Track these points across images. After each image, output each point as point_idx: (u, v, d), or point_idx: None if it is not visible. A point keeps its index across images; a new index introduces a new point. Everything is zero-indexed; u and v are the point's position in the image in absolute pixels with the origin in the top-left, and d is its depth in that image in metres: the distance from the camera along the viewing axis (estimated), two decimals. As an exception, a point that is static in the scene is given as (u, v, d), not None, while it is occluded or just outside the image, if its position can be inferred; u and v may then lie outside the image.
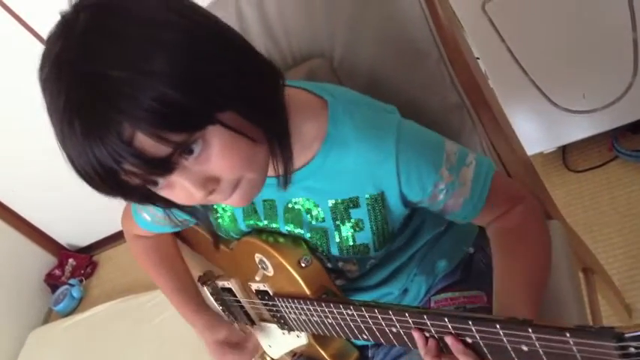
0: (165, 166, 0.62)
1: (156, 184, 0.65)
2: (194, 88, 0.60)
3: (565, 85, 1.63)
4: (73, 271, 3.27)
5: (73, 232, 3.39)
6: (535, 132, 1.78)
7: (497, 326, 0.58)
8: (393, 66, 0.96)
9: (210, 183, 0.66)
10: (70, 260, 3.31)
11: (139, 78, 0.58)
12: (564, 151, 1.92)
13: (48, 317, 3.18)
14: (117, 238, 3.29)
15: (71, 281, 3.16)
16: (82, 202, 3.07)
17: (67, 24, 0.61)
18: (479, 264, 0.99)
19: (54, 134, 0.63)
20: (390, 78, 0.96)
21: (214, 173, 0.66)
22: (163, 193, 0.68)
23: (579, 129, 1.74)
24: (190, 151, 0.62)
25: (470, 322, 0.60)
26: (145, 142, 0.59)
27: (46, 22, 0.64)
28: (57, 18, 0.63)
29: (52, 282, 3.24)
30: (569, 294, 0.99)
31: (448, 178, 0.79)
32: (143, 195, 0.68)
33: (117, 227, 3.34)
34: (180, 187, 0.66)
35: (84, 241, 3.43)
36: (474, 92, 0.98)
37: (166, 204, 0.73)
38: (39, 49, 0.64)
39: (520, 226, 0.84)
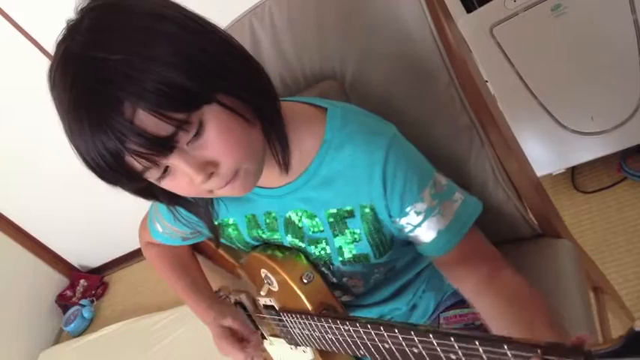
0: (166, 144, 0.64)
1: (158, 166, 0.67)
2: (191, 68, 0.63)
3: (573, 108, 1.65)
4: (84, 292, 3.29)
5: (85, 253, 3.42)
6: (544, 153, 1.79)
7: (477, 342, 0.58)
8: (403, 88, 0.97)
9: (209, 166, 0.68)
10: (82, 281, 3.33)
11: (140, 61, 0.61)
12: (573, 172, 1.93)
13: (59, 337, 3.19)
14: (128, 259, 3.31)
15: (82, 302, 3.18)
16: (93, 223, 3.12)
17: (72, 27, 0.65)
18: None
19: (63, 131, 0.66)
20: (401, 99, 0.97)
21: (212, 156, 0.68)
22: (166, 184, 0.71)
23: (588, 150, 1.75)
24: (188, 131, 0.65)
25: (452, 339, 0.61)
26: (146, 120, 0.62)
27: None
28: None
29: (64, 302, 3.25)
30: (579, 313, 0.99)
31: (430, 202, 0.79)
32: (148, 187, 0.71)
33: (127, 248, 3.39)
34: (181, 175, 0.69)
35: (95, 262, 3.46)
36: (483, 114, 0.99)
37: (170, 199, 0.77)
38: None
39: (524, 293, 0.78)
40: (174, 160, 0.66)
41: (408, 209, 0.79)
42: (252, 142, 0.72)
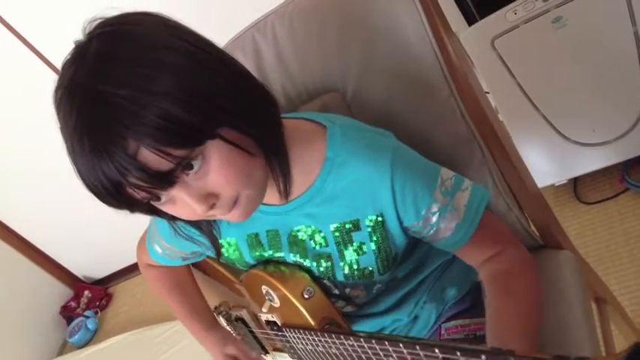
0: (167, 179, 0.65)
1: (159, 198, 0.68)
2: (194, 105, 0.64)
3: (575, 119, 1.66)
4: (88, 303, 3.29)
5: (89, 265, 3.42)
6: (546, 165, 1.80)
7: (483, 357, 0.58)
8: (404, 100, 0.98)
9: (210, 198, 0.69)
10: (86, 292, 3.33)
11: (143, 96, 0.61)
12: (575, 183, 1.93)
13: (63, 349, 3.19)
14: (131, 270, 3.32)
15: (86, 313, 3.18)
16: (97, 235, 3.12)
17: (80, 51, 0.66)
18: (487, 292, 1.00)
19: (66, 152, 0.67)
20: (402, 111, 0.98)
21: (214, 188, 0.69)
22: (166, 208, 0.71)
23: (590, 161, 1.76)
24: (191, 167, 0.66)
25: (458, 353, 0.61)
26: (148, 156, 0.62)
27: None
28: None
29: (68, 314, 3.26)
30: (581, 324, 0.99)
31: (442, 200, 0.81)
32: (148, 208, 0.71)
33: (131, 260, 3.39)
34: (181, 203, 0.69)
35: (99, 273, 3.46)
36: (484, 126, 0.99)
37: (172, 217, 0.77)
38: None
39: (515, 268, 0.84)
40: (175, 192, 0.67)
41: (423, 212, 0.81)
42: (253, 172, 0.72)
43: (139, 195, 0.66)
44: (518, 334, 0.77)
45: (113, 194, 0.65)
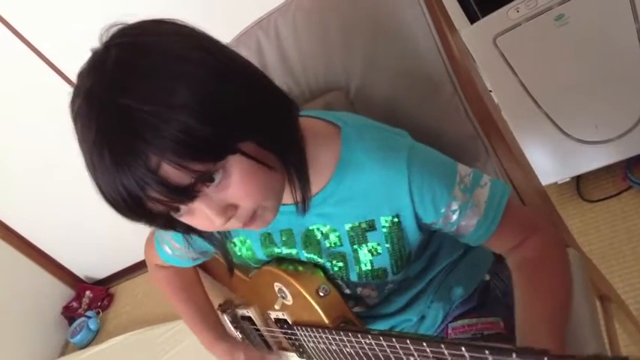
0: (187, 194, 0.65)
1: (178, 210, 0.68)
2: (216, 120, 0.63)
3: (577, 117, 1.65)
4: (90, 304, 3.29)
5: (90, 265, 3.42)
6: (549, 163, 1.79)
7: (514, 355, 0.58)
8: (408, 98, 0.98)
9: (229, 210, 0.69)
10: (87, 292, 3.33)
11: (165, 111, 0.61)
12: (578, 181, 1.93)
13: (65, 349, 3.19)
14: (133, 270, 3.32)
15: (88, 313, 3.18)
16: (99, 235, 3.12)
17: (98, 59, 0.65)
18: (495, 291, 0.99)
19: (84, 164, 0.66)
20: (406, 110, 0.98)
21: (233, 200, 0.69)
22: (184, 219, 0.71)
23: (593, 159, 1.76)
24: (212, 180, 0.65)
25: (486, 352, 0.61)
26: (169, 171, 0.62)
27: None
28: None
29: (69, 314, 3.26)
30: (586, 322, 0.99)
31: (462, 198, 0.80)
32: (166, 221, 0.71)
33: (133, 260, 3.39)
34: (200, 214, 0.69)
35: (101, 273, 3.46)
36: (488, 123, 0.99)
37: (187, 230, 0.77)
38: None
39: (540, 256, 0.83)
40: (196, 204, 0.67)
41: (443, 210, 0.80)
42: (272, 185, 0.73)
43: (158, 208, 0.66)
44: (544, 327, 0.77)
45: (133, 208, 0.65)
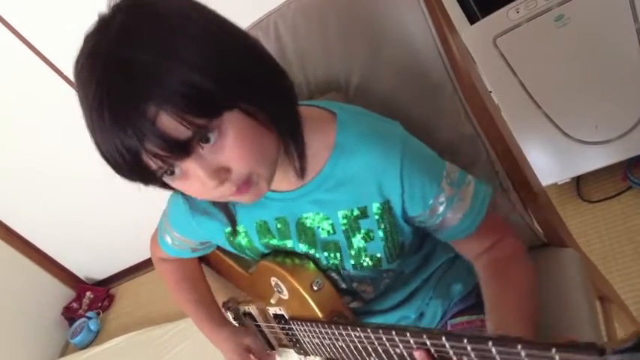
0: (183, 148, 0.65)
1: (173, 172, 0.69)
2: (217, 75, 0.64)
3: (577, 117, 1.66)
4: (90, 304, 3.29)
5: (91, 266, 3.43)
6: (549, 163, 1.79)
7: (490, 344, 0.59)
8: (408, 99, 0.98)
9: (222, 172, 0.69)
10: (88, 293, 3.33)
11: (167, 62, 0.62)
12: (578, 181, 1.93)
13: (65, 350, 3.19)
14: (133, 271, 3.32)
15: (89, 314, 3.18)
16: (99, 236, 3.13)
17: (103, 22, 0.66)
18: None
19: (85, 124, 0.67)
20: (405, 110, 0.98)
21: (227, 163, 0.69)
22: (178, 184, 0.72)
23: (593, 160, 1.76)
24: (207, 139, 0.66)
25: (465, 341, 0.61)
26: (167, 123, 0.62)
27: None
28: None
29: (70, 315, 3.26)
30: (585, 323, 0.99)
31: (449, 191, 0.82)
32: (162, 182, 0.72)
33: (133, 260, 3.40)
34: (194, 177, 0.69)
35: (101, 274, 3.47)
36: (488, 124, 1.00)
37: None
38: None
39: (511, 254, 0.87)
40: (189, 164, 0.67)
41: (431, 202, 0.81)
42: (267, 149, 0.73)
43: (155, 165, 0.66)
44: (520, 316, 0.79)
45: (129, 162, 0.65)
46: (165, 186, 0.74)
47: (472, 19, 1.47)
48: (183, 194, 0.80)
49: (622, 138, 1.64)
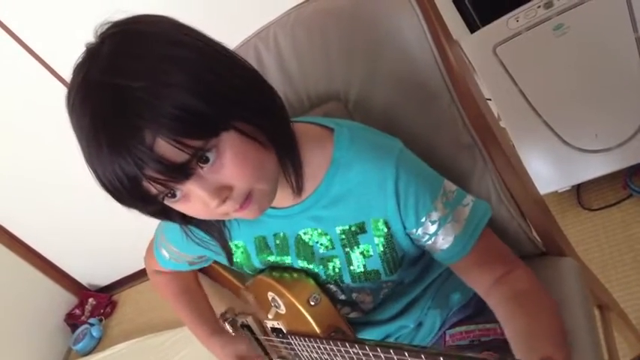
0: (183, 171, 0.66)
1: (174, 195, 0.69)
2: (209, 96, 0.65)
3: (577, 126, 1.66)
4: (92, 311, 3.30)
5: (94, 272, 3.43)
6: (549, 171, 1.80)
7: None
8: (406, 109, 0.98)
9: (223, 191, 0.69)
10: (90, 300, 3.34)
11: (159, 88, 0.63)
12: (579, 189, 1.93)
13: (67, 356, 3.20)
14: (136, 277, 3.32)
15: (91, 320, 3.19)
16: (102, 242, 3.13)
17: (92, 51, 0.67)
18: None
19: (81, 154, 0.67)
20: (404, 120, 0.98)
21: (227, 181, 0.69)
22: (180, 206, 0.72)
23: (593, 168, 1.76)
24: (206, 160, 0.67)
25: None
26: (164, 147, 0.63)
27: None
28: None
29: (72, 321, 3.26)
30: (584, 331, 0.99)
31: (442, 210, 0.81)
32: (162, 209, 0.72)
33: (136, 267, 3.39)
34: (195, 198, 0.70)
35: (104, 280, 3.47)
36: (485, 133, 1.00)
37: (184, 220, 0.78)
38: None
39: (531, 288, 0.82)
40: (190, 186, 0.68)
41: (423, 219, 0.81)
42: (265, 165, 0.73)
43: (155, 190, 0.67)
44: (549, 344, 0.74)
45: (129, 189, 0.65)
46: (164, 214, 0.74)
47: (472, 28, 1.48)
48: (180, 224, 0.81)
49: (622, 146, 1.65)
